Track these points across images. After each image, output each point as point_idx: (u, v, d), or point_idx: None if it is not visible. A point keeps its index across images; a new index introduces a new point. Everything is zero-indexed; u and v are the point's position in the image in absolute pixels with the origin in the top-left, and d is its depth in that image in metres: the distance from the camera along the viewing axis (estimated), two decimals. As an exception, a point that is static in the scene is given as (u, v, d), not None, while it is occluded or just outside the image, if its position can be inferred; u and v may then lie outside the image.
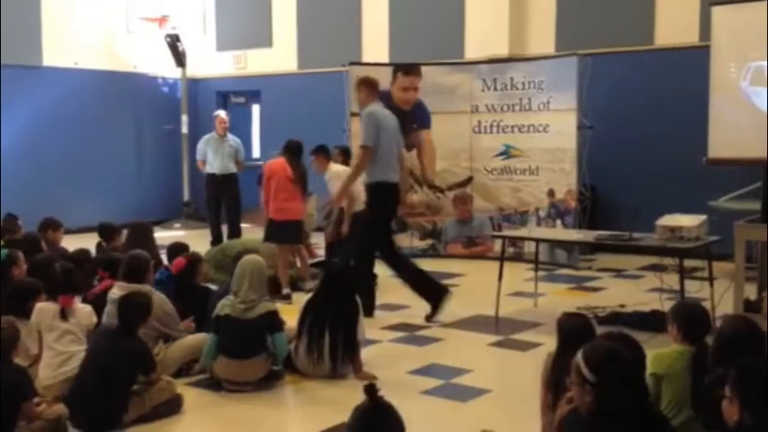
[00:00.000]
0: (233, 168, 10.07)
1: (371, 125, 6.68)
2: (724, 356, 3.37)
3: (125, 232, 7.46)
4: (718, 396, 2.92)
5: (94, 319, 4.88)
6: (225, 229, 10.20)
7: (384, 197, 6.78)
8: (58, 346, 4.70)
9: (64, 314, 4.74)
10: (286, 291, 7.49)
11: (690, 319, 3.73)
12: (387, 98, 9.97)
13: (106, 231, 7.29)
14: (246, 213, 10.71)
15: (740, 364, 2.83)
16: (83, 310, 4.87)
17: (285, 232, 7.62)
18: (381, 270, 8.09)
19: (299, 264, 8.10)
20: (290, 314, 5.80)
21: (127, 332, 4.49)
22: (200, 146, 10.24)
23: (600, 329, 4.08)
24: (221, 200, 10.12)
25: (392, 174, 6.79)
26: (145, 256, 5.38)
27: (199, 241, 8.89)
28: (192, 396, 4.92)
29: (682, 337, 3.69)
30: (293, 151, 7.76)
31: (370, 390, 2.54)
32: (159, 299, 5.22)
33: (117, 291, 5.04)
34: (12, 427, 3.92)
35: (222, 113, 10.43)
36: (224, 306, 5.06)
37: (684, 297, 5.81)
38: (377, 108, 6.88)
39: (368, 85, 6.97)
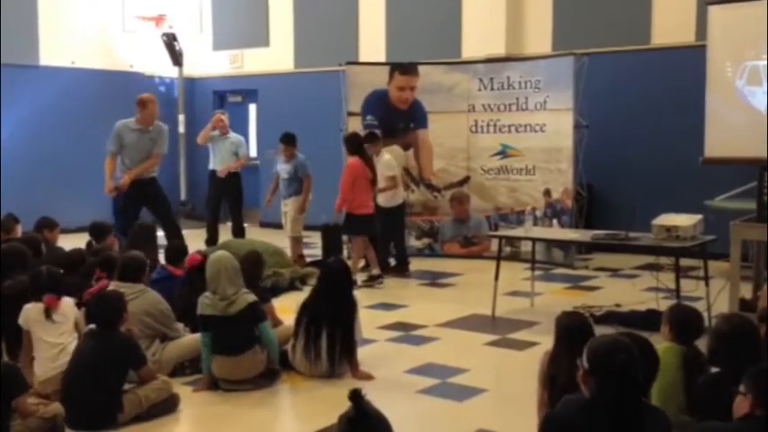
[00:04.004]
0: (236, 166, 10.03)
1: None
2: (721, 355, 3.39)
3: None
4: (716, 395, 2.94)
5: (77, 311, 4.88)
6: (223, 228, 10.19)
7: None
8: (50, 339, 4.73)
9: (48, 313, 4.76)
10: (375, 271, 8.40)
11: (684, 322, 3.78)
12: (384, 97, 10.02)
13: (97, 231, 7.25)
14: (245, 213, 10.68)
15: (760, 364, 2.91)
16: (66, 305, 4.88)
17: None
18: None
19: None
20: (287, 313, 5.81)
21: (106, 329, 4.49)
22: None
23: (596, 329, 4.09)
24: (222, 199, 10.09)
25: None
26: (140, 257, 5.38)
27: (195, 240, 8.88)
28: (188, 395, 4.93)
29: (673, 337, 3.74)
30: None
31: (355, 397, 2.51)
32: (154, 297, 5.23)
33: (112, 290, 5.04)
34: (5, 423, 3.92)
35: (218, 113, 10.41)
36: (205, 306, 5.05)
37: (680, 297, 5.83)
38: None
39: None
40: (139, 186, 8.24)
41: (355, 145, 8.40)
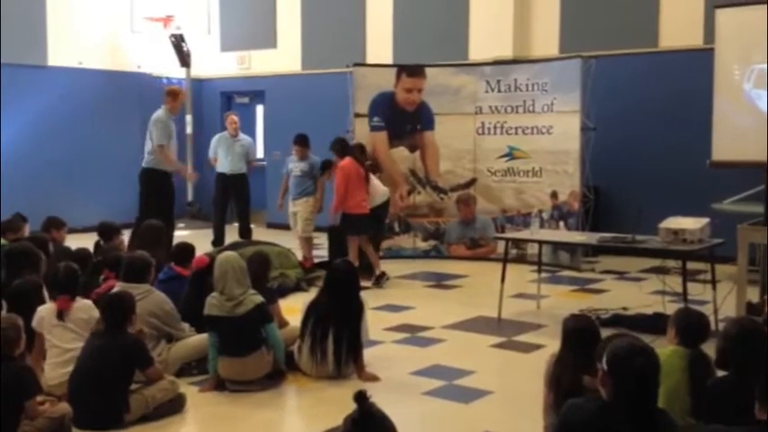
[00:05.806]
0: (243, 168, 10.08)
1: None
2: (731, 358, 3.38)
3: (126, 232, 7.48)
4: (725, 398, 2.92)
5: (95, 312, 4.83)
6: (229, 229, 10.22)
7: None
8: (61, 345, 4.74)
9: (61, 316, 4.77)
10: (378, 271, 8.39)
11: (690, 325, 3.76)
12: (391, 99, 10.03)
13: (106, 231, 7.29)
14: (252, 214, 10.69)
15: None
16: (82, 307, 4.87)
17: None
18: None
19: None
20: (294, 314, 5.81)
21: (114, 330, 4.50)
22: (213, 143, 10.34)
23: (602, 332, 4.08)
24: (230, 200, 10.12)
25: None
26: (146, 257, 5.39)
27: (201, 241, 8.90)
28: (194, 396, 4.94)
29: (678, 341, 3.73)
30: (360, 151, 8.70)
31: (360, 398, 2.51)
32: (159, 298, 5.25)
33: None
34: (15, 425, 3.94)
35: (233, 114, 10.49)
36: (212, 306, 5.05)
37: (687, 301, 5.81)
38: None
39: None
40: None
41: (341, 148, 8.51)
